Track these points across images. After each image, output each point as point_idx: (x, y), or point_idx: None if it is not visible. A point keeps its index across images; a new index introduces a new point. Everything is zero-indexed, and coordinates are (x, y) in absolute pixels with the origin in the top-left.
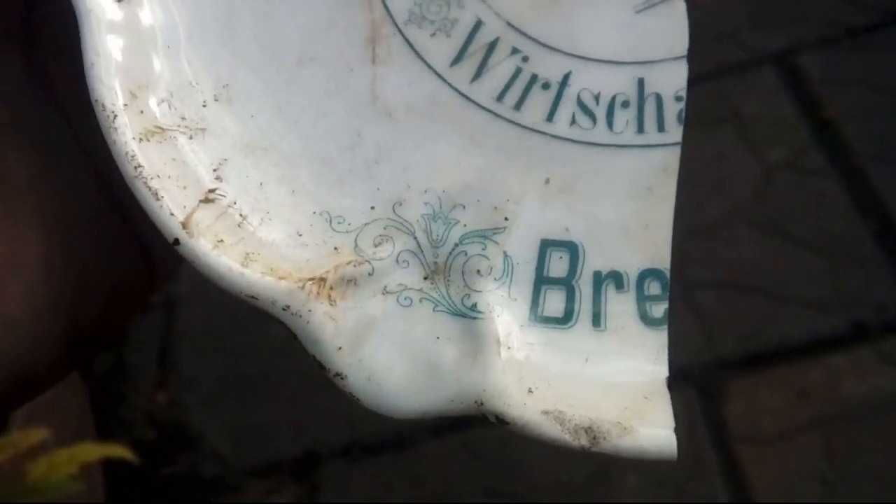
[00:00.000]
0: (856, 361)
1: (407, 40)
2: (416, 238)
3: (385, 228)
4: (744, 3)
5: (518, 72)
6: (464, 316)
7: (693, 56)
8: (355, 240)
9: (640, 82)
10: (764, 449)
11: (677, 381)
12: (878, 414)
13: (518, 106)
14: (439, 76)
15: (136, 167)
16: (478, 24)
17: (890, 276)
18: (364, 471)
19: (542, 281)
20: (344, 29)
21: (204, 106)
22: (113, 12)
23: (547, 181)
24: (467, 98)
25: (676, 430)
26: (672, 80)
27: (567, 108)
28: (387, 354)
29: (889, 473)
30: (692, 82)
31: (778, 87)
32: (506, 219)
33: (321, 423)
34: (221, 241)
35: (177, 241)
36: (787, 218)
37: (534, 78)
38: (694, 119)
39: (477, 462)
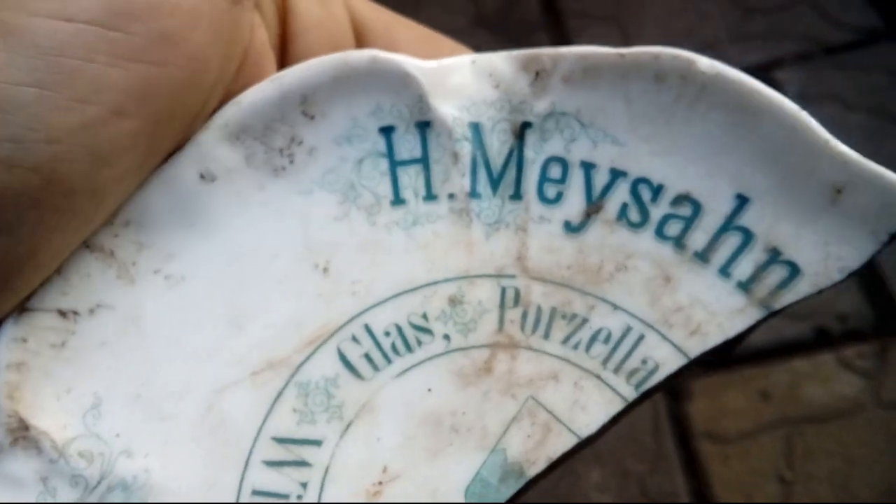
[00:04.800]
0: (817, 366)
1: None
2: (87, 475)
3: (91, 446)
4: (724, 17)
5: None
6: None
7: None
8: (83, 432)
9: None
10: (725, 447)
11: None
12: (838, 418)
13: None
14: None
15: None
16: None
17: (853, 287)
18: None
19: None
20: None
21: None
22: None
23: None
24: None
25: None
26: None
27: None
28: None
29: (845, 476)
30: None
31: None
32: None
33: None
34: (25, 340)
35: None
36: None
37: None
38: None
39: None
